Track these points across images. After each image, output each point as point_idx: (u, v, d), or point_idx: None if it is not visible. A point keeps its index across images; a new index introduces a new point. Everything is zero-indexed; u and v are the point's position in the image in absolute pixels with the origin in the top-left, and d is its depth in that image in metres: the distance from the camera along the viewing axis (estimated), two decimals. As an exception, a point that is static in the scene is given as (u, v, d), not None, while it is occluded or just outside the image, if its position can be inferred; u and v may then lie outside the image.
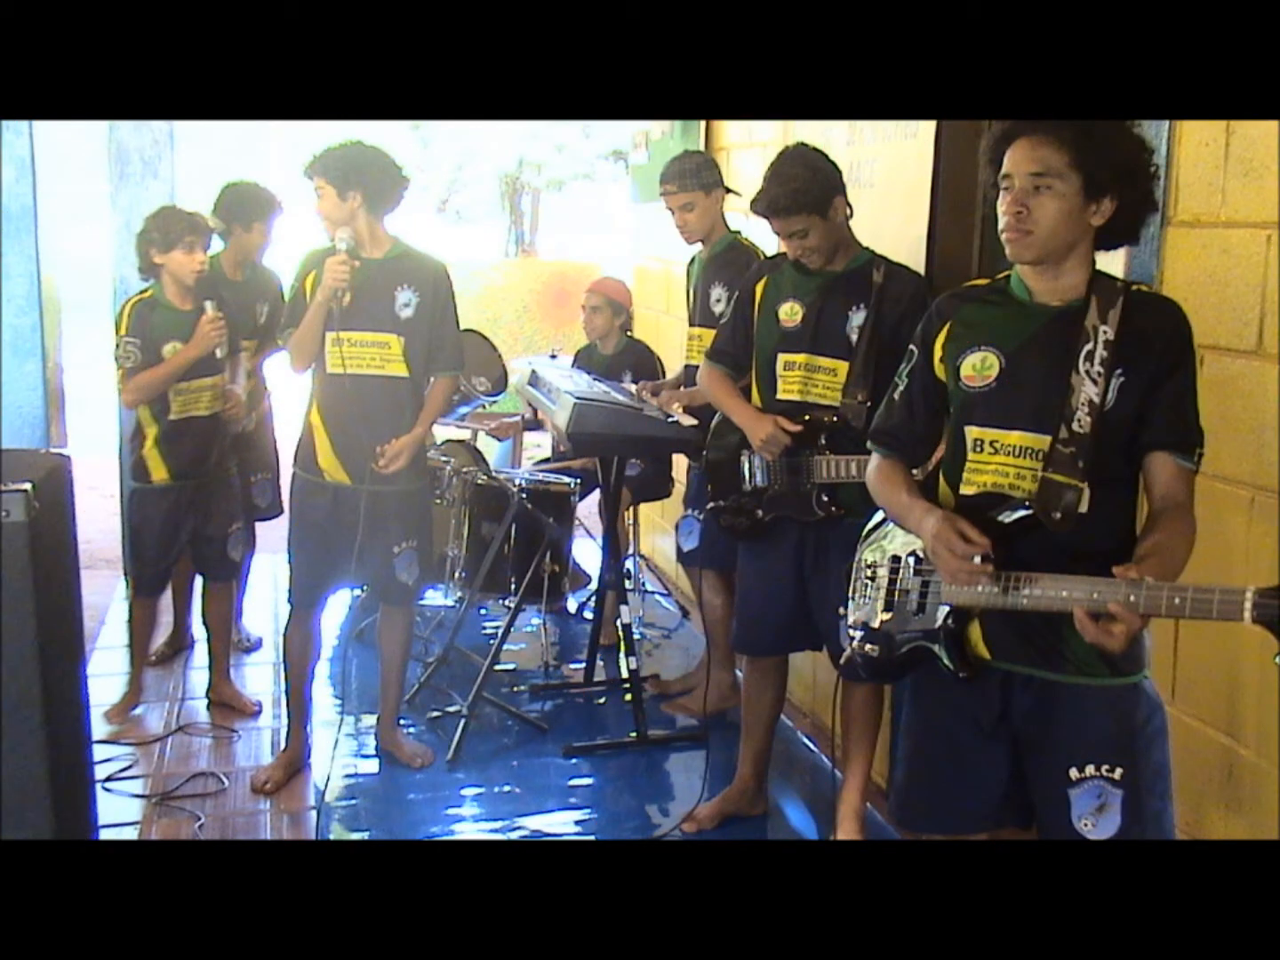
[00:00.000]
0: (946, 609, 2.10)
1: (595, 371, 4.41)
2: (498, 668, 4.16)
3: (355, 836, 3.39)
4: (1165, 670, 2.48)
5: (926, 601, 2.14)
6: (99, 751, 3.40)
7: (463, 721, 3.85)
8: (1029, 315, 2.07)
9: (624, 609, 3.96)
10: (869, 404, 2.87)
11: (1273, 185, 2.25)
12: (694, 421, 3.65)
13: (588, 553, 5.23)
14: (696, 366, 3.57)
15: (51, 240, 5.50)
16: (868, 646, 2.24)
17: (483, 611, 5.04)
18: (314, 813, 3.46)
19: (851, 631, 2.28)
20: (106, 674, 4.30)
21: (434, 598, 4.72)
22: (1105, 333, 1.99)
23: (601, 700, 4.37)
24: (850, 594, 2.29)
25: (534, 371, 4.15)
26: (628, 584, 4.78)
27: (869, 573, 2.25)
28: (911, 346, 2.23)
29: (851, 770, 3.20)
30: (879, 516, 2.30)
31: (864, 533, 2.32)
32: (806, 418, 3.02)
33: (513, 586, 4.25)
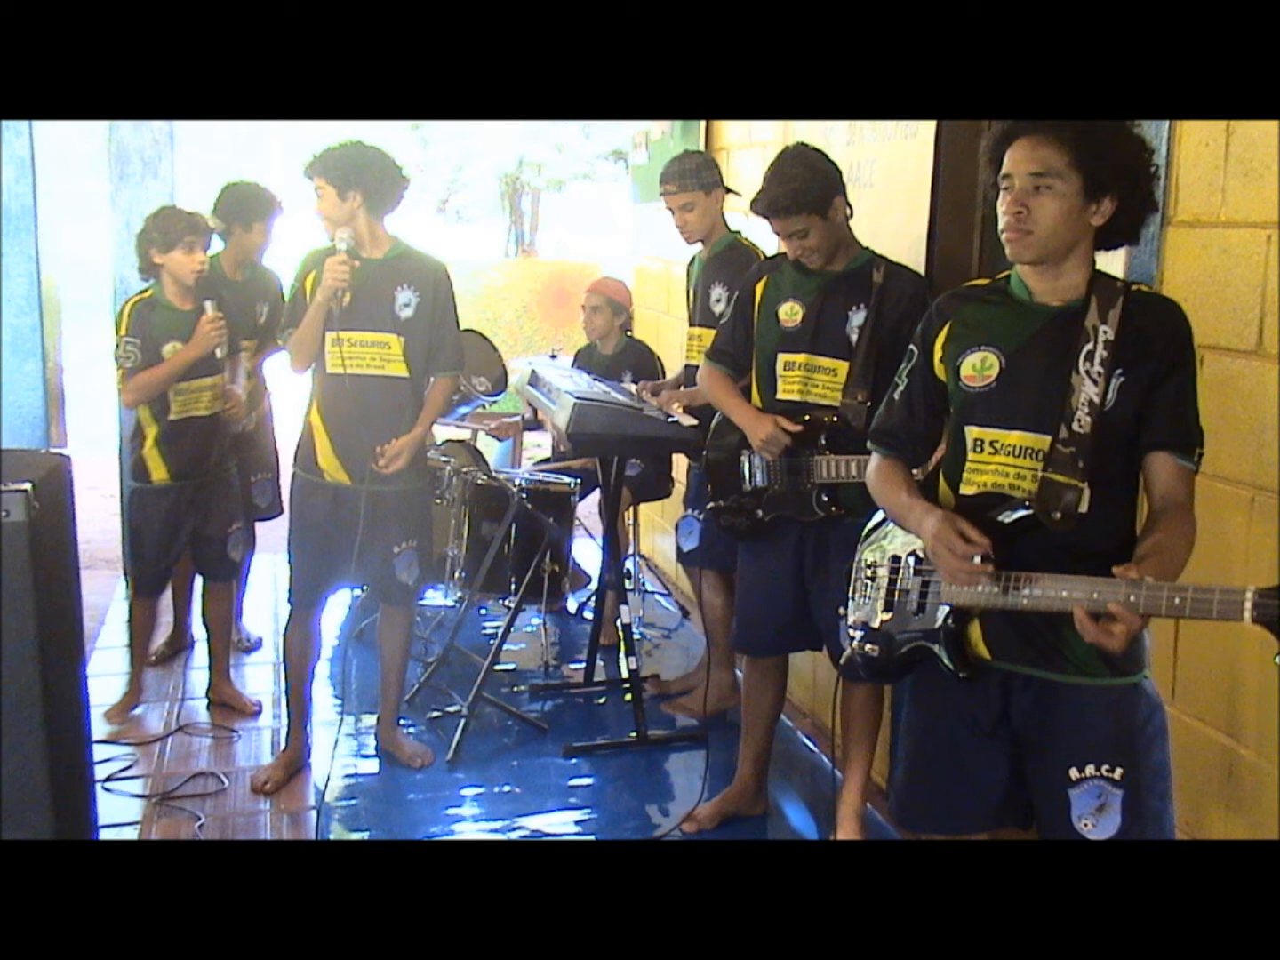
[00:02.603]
0: (946, 609, 2.10)
1: (595, 371, 4.41)
2: (498, 668, 4.16)
3: (355, 836, 3.39)
4: (1165, 670, 2.48)
5: (926, 601, 2.14)
6: (99, 751, 3.40)
7: (463, 721, 3.85)
8: (1029, 315, 2.07)
9: (624, 609, 3.96)
10: (869, 404, 2.87)
11: (1273, 185, 2.25)
12: (694, 421, 3.65)
13: (588, 553, 5.23)
14: (696, 366, 3.57)
15: (51, 240, 5.50)
16: (868, 646, 2.24)
17: (483, 611, 5.04)
18: (314, 813, 3.46)
19: (851, 631, 2.28)
20: (106, 674, 4.30)
21: (434, 598, 4.72)
22: (1105, 333, 1.99)
23: (601, 700, 4.37)
24: (850, 594, 2.29)
25: (534, 371, 4.15)
26: (628, 584, 4.78)
27: (869, 573, 2.25)
28: (911, 346, 2.23)
29: (851, 770, 3.20)
30: (879, 516, 2.30)
31: (864, 533, 2.32)
32: (806, 418, 3.02)
33: (513, 586, 4.25)
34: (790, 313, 3.08)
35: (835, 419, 2.99)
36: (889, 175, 3.45)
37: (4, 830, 2.19)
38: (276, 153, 17.28)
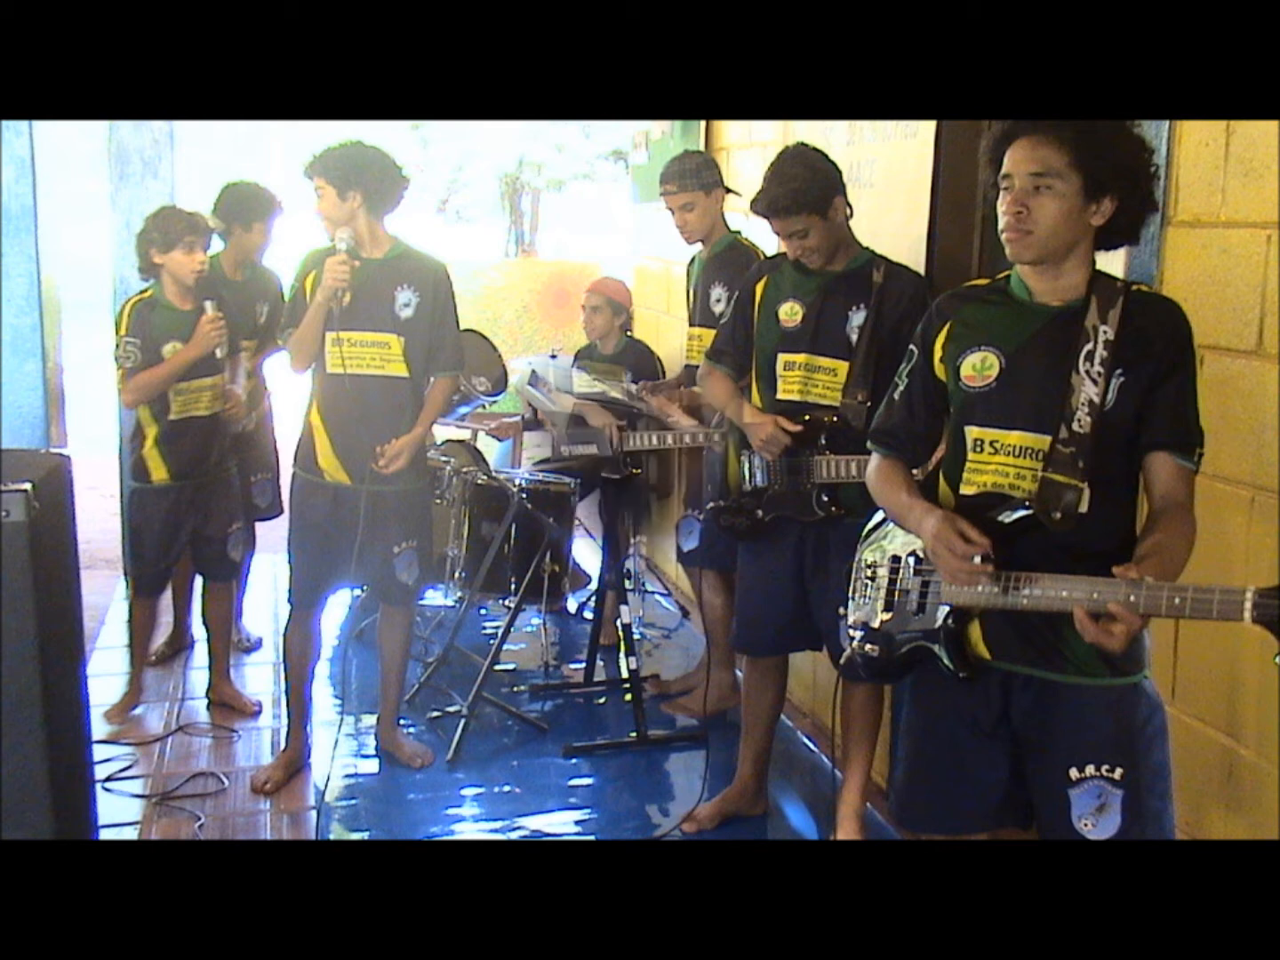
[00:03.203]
0: (946, 609, 2.10)
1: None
2: (498, 668, 4.16)
3: (355, 836, 3.39)
4: (1165, 670, 2.48)
5: (926, 601, 2.14)
6: (99, 751, 3.40)
7: (463, 721, 3.85)
8: (1029, 315, 2.07)
9: (624, 609, 3.96)
10: (869, 404, 2.87)
11: (1273, 185, 2.25)
12: (694, 421, 3.65)
13: (588, 553, 5.23)
14: (696, 366, 3.57)
15: (51, 240, 5.50)
16: (868, 646, 2.24)
17: (483, 611, 5.04)
18: (314, 813, 3.46)
19: (851, 631, 2.28)
20: (106, 674, 4.30)
21: (434, 598, 4.72)
22: (1105, 333, 1.99)
23: (601, 700, 4.37)
24: (850, 594, 2.29)
25: (534, 371, 4.15)
26: (628, 584, 4.78)
27: (869, 573, 2.25)
28: (911, 346, 2.23)
29: (851, 770, 3.20)
30: (879, 516, 2.30)
31: (864, 533, 2.32)
32: (806, 418, 3.02)
33: (513, 586, 4.25)
34: (790, 313, 3.08)
35: (835, 419, 2.99)
36: (889, 175, 3.45)
37: (4, 830, 2.19)
38: (276, 153, 17.27)
